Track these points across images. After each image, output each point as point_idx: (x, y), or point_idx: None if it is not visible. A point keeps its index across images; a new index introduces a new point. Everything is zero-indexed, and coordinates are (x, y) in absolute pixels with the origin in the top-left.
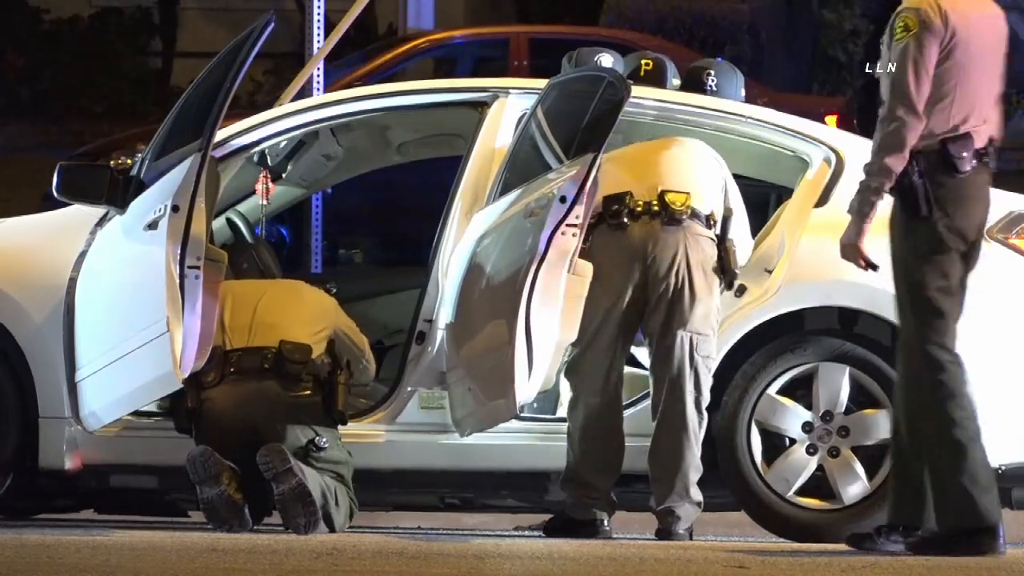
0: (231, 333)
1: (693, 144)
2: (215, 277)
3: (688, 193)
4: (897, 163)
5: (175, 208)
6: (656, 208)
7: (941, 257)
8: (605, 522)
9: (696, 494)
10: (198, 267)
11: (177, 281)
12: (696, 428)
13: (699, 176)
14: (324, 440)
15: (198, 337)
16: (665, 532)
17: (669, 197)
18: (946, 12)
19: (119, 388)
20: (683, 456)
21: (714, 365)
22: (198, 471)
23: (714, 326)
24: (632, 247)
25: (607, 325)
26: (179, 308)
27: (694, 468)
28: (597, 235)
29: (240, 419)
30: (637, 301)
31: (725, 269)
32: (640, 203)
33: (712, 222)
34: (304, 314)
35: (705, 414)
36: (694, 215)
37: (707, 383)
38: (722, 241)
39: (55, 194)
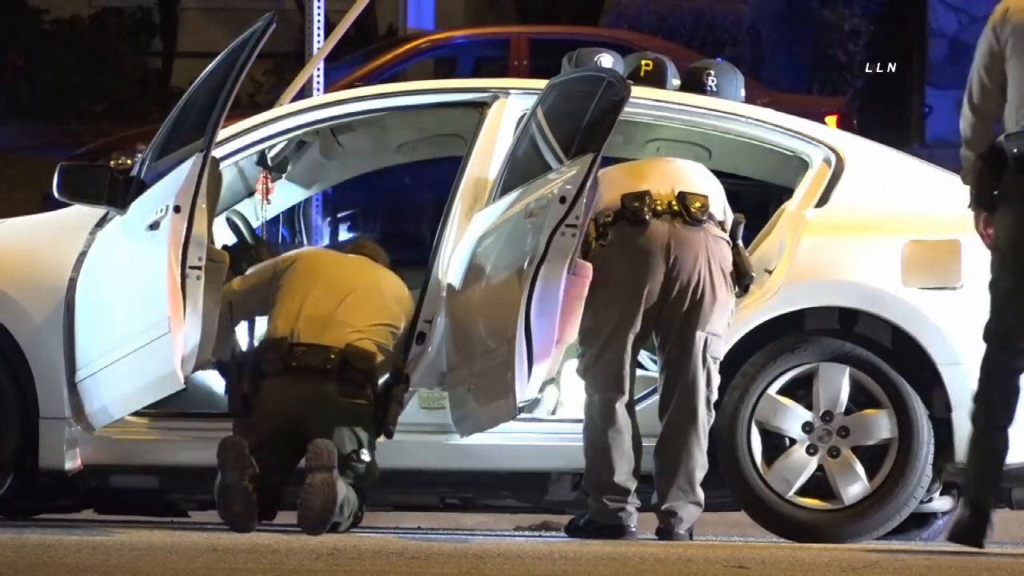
0: (304, 323)
1: (692, 161)
2: (216, 278)
3: (706, 196)
4: (965, 150)
5: (176, 209)
6: (676, 208)
7: (996, 256)
8: (632, 524)
9: (699, 493)
10: (200, 268)
11: (179, 282)
12: (705, 426)
13: (709, 184)
14: (367, 454)
15: (199, 338)
16: (666, 532)
17: (689, 198)
18: (1007, 9)
19: (121, 388)
20: (691, 453)
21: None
22: (227, 457)
23: (726, 328)
24: (653, 244)
25: (626, 322)
26: (180, 309)
27: (700, 466)
28: (616, 232)
29: (293, 415)
30: (656, 299)
31: (741, 272)
32: (661, 202)
33: (724, 228)
34: (379, 316)
35: (713, 412)
36: (711, 218)
37: (716, 381)
38: (736, 246)
39: (55, 194)
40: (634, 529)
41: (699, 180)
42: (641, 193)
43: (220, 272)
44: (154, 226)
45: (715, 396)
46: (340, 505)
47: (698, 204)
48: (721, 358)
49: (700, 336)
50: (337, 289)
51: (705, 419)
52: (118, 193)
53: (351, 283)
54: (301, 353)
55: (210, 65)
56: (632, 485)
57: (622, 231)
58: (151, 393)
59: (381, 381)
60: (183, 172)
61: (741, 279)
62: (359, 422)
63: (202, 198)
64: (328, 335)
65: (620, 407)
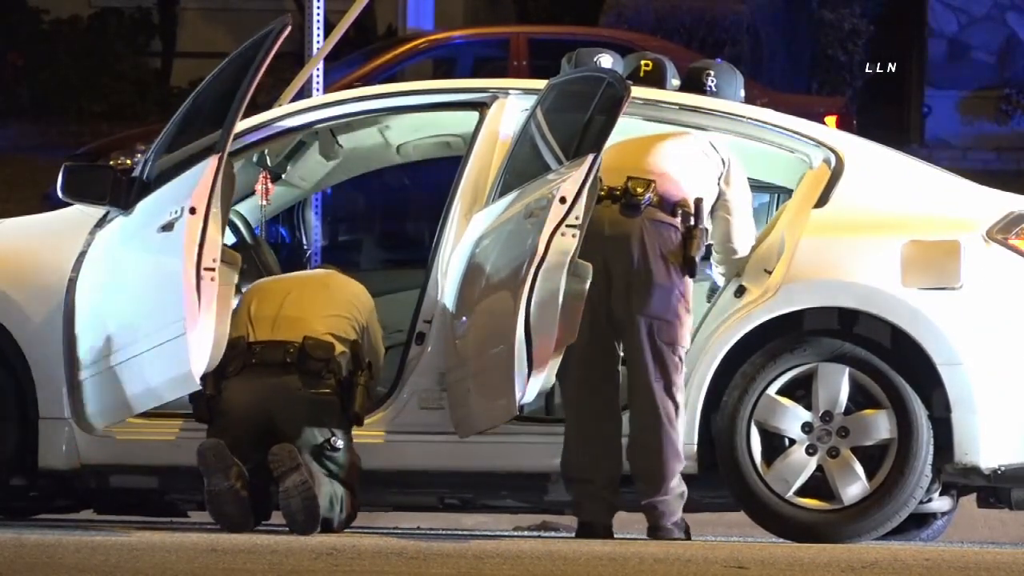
0: (256, 323)
1: (685, 136)
2: (229, 279)
3: (653, 181)
4: None
5: (192, 210)
6: (618, 193)
7: None
8: (604, 519)
9: (678, 485)
10: (214, 269)
11: (194, 283)
12: (670, 416)
13: (676, 165)
14: (339, 441)
15: (212, 338)
16: (653, 529)
17: (631, 183)
18: None
19: (132, 387)
20: (659, 447)
21: (684, 352)
22: (208, 462)
23: (679, 312)
24: (591, 232)
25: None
26: (196, 310)
27: (673, 457)
28: None
29: (258, 412)
30: (601, 287)
31: (685, 256)
32: (605, 188)
33: (683, 211)
34: (329, 308)
35: (680, 401)
36: (660, 202)
37: (675, 370)
38: (693, 229)
39: (59, 195)
40: (605, 526)
41: (660, 161)
42: None
43: (232, 273)
44: (167, 227)
45: (676, 384)
46: (329, 500)
47: (640, 188)
48: (683, 344)
49: (642, 321)
50: (277, 291)
51: (667, 407)
52: (121, 194)
53: (290, 284)
54: (260, 350)
55: (219, 66)
56: (594, 476)
57: None
58: (166, 392)
59: (345, 370)
60: (198, 173)
61: (686, 263)
62: (326, 412)
63: (217, 199)
64: (281, 331)
65: (587, 401)
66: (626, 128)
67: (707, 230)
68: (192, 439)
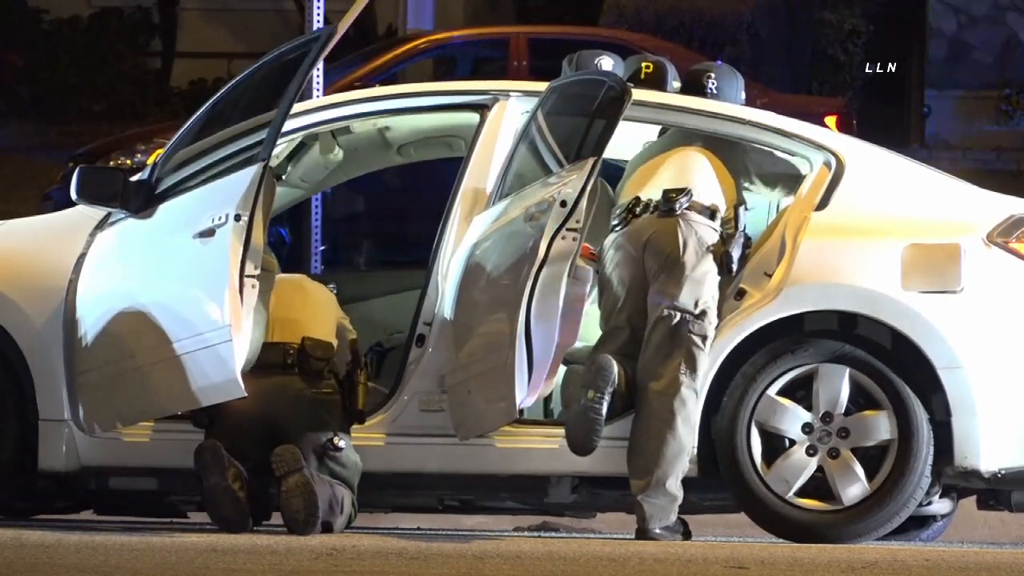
0: None
1: (695, 152)
2: (267, 286)
3: (688, 188)
4: None
5: (237, 218)
6: (655, 203)
7: None
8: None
9: (673, 488)
10: (255, 276)
11: (239, 290)
12: (687, 412)
13: (701, 176)
14: (341, 441)
15: (249, 344)
16: (641, 532)
17: (667, 192)
18: None
19: (163, 389)
20: (661, 439)
21: (707, 348)
22: (205, 462)
23: (709, 307)
24: (633, 239)
25: (609, 319)
26: (241, 317)
27: (672, 456)
28: (612, 240)
29: (261, 414)
30: (637, 292)
31: (722, 253)
32: (642, 204)
33: (716, 215)
34: (317, 309)
35: (697, 396)
36: (697, 208)
37: (701, 364)
38: (731, 232)
39: (73, 197)
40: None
41: (687, 173)
42: (629, 201)
43: (271, 280)
44: (207, 233)
45: (696, 379)
46: (329, 502)
47: (674, 195)
48: (711, 339)
49: (670, 312)
50: (265, 294)
51: (687, 401)
52: (131, 196)
53: (276, 287)
54: (259, 353)
55: (248, 71)
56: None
57: (616, 235)
58: (209, 396)
59: (343, 369)
60: (242, 181)
61: (723, 260)
62: (329, 412)
63: (259, 207)
64: (277, 333)
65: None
66: (627, 130)
67: (747, 236)
68: (192, 440)
